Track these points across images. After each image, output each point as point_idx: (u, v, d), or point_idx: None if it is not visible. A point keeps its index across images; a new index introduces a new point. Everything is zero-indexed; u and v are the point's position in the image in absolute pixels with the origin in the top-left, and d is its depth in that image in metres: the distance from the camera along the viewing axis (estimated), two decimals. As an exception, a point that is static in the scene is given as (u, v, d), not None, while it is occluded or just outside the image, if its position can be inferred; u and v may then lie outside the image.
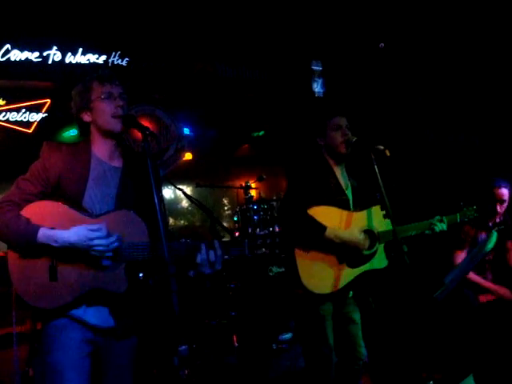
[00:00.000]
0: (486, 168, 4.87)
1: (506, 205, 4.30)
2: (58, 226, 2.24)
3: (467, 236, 4.38)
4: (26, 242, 2.20)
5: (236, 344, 4.97)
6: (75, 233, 2.21)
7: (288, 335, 5.58)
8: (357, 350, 3.29)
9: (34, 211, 2.27)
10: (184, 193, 3.06)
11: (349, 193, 3.34)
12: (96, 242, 2.21)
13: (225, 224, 8.91)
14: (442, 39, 6.10)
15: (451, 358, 4.14)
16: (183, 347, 4.76)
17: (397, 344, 4.52)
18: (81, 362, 2.30)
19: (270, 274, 5.89)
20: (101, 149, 2.45)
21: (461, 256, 4.38)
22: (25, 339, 4.06)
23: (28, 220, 2.23)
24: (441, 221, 3.32)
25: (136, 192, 2.48)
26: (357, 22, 7.04)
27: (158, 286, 2.35)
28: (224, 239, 2.53)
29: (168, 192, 8.43)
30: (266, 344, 5.38)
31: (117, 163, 2.49)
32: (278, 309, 5.65)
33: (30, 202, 2.29)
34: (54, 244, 2.20)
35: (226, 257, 2.42)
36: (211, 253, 2.35)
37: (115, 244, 2.25)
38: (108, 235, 2.24)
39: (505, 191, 4.26)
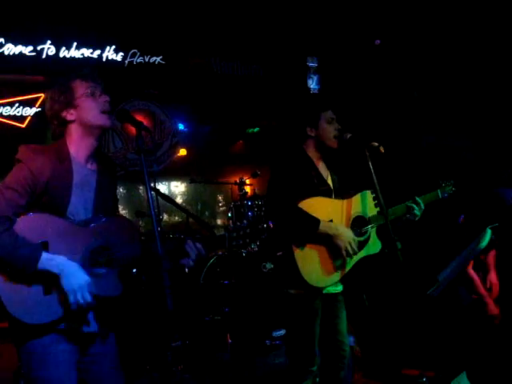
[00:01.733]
0: (481, 163, 4.87)
1: None
2: (50, 239, 2.18)
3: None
4: (27, 268, 2.10)
5: (229, 340, 4.97)
6: (76, 272, 2.16)
7: (282, 331, 5.57)
8: (342, 348, 3.28)
9: (26, 226, 2.15)
10: (159, 193, 3.05)
11: (330, 182, 3.33)
12: (79, 294, 2.15)
13: (219, 220, 8.92)
14: (437, 35, 6.10)
15: (445, 355, 4.15)
16: (177, 343, 4.77)
17: (390, 341, 4.53)
18: (72, 374, 2.27)
19: (264, 270, 5.88)
20: (80, 151, 2.36)
21: None
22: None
23: (29, 242, 2.12)
24: (415, 201, 3.29)
25: (111, 194, 2.48)
26: (353, 18, 7.04)
27: (151, 282, 2.35)
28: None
29: (162, 188, 8.41)
30: (260, 340, 5.38)
31: (93, 166, 2.43)
32: (271, 305, 5.64)
33: (19, 214, 2.16)
34: (55, 269, 2.13)
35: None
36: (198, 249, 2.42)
37: (83, 303, 2.16)
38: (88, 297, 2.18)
39: None
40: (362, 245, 3.20)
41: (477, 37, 5.78)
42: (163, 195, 3.00)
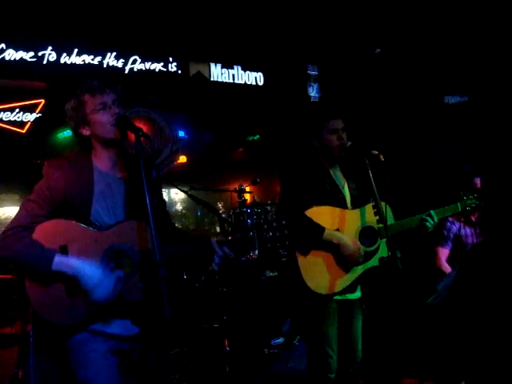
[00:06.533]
0: (478, 173, 4.88)
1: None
2: (69, 243, 2.28)
3: (449, 232, 4.44)
4: (41, 271, 2.23)
5: (227, 348, 4.95)
6: (91, 273, 2.24)
7: (280, 340, 5.56)
8: (355, 354, 3.29)
9: (45, 232, 2.30)
10: (189, 195, 3.09)
11: (345, 192, 3.32)
12: (95, 293, 2.24)
13: (218, 228, 8.90)
14: (438, 45, 6.12)
15: (444, 364, 4.13)
16: (174, 351, 4.74)
17: (389, 350, 4.51)
18: (109, 373, 2.33)
19: (263, 278, 5.87)
20: (103, 161, 2.45)
21: (444, 253, 4.43)
22: (15, 341, 4.02)
23: (42, 246, 2.24)
24: (429, 215, 3.26)
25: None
26: (353, 27, 7.06)
27: (149, 289, 2.34)
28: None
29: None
30: (258, 349, 5.36)
31: (121, 174, 2.49)
32: (270, 313, 5.62)
33: (39, 223, 2.30)
34: (69, 271, 2.22)
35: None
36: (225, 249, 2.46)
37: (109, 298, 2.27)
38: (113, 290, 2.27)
39: (477, 180, 4.44)
40: (370, 255, 3.19)
41: (477, 46, 5.80)
42: (194, 197, 3.02)
